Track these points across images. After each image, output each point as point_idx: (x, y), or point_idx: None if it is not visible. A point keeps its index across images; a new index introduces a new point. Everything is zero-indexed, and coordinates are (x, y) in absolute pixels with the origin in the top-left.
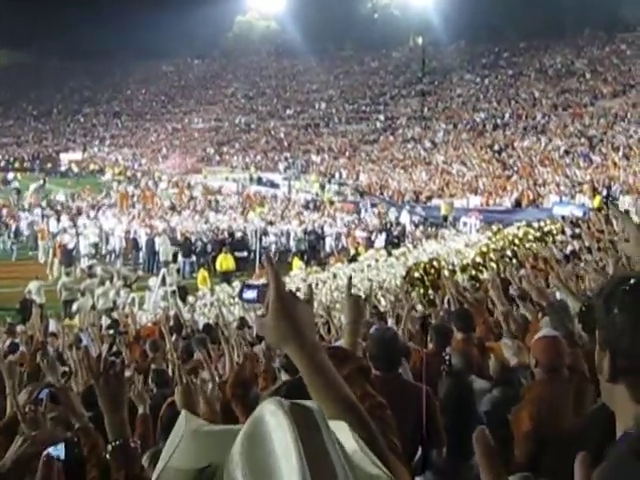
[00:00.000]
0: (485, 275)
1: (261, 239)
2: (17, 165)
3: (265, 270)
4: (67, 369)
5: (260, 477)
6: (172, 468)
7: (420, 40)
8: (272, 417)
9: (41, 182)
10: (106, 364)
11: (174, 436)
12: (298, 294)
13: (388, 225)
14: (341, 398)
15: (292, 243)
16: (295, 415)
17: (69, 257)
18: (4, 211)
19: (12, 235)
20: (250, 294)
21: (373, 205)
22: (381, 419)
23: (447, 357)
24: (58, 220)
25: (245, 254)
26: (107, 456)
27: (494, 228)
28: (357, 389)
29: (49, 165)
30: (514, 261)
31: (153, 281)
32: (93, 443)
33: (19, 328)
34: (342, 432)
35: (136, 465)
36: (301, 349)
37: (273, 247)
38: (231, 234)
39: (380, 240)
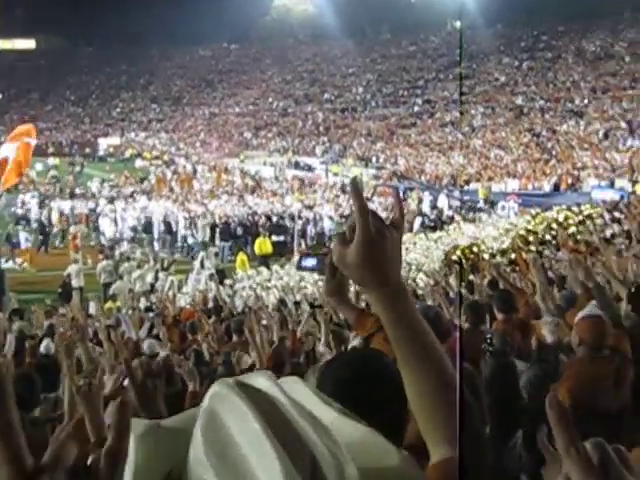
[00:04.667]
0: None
1: (298, 223)
2: (55, 150)
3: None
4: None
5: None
6: None
7: (458, 24)
8: (228, 407)
9: (78, 168)
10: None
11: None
12: None
13: (423, 209)
14: (425, 350)
15: (328, 226)
16: (249, 395)
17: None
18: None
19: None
20: (310, 262)
21: (411, 189)
22: None
23: (489, 337)
24: (96, 204)
25: (283, 238)
26: None
27: (533, 212)
28: None
29: (87, 150)
30: (553, 244)
31: (194, 264)
32: None
33: (61, 310)
34: (298, 388)
35: None
36: (385, 295)
37: (309, 230)
38: (269, 218)
39: (416, 223)
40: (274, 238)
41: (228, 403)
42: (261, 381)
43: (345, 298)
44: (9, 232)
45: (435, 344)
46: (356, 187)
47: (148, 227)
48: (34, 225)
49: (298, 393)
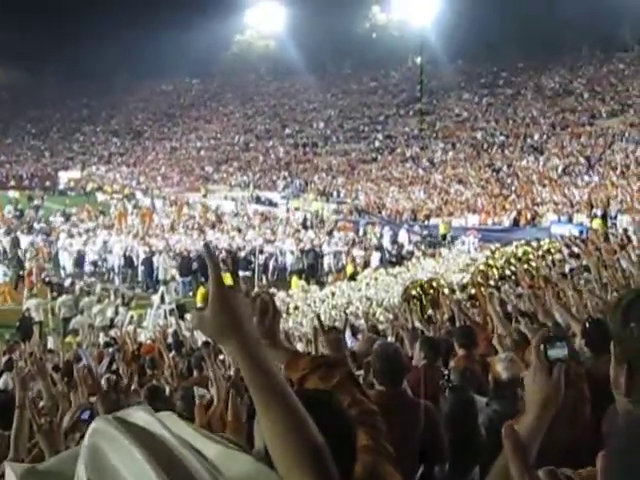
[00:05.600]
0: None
1: (259, 258)
2: (15, 183)
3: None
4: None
5: None
6: None
7: (418, 60)
8: (111, 444)
9: (39, 201)
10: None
11: None
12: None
13: (384, 244)
14: (282, 397)
15: (290, 261)
16: (128, 428)
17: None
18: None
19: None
20: None
21: (371, 224)
22: (372, 426)
23: (446, 373)
24: (57, 239)
25: (248, 274)
26: None
27: (492, 247)
28: (347, 395)
29: (48, 183)
30: (512, 279)
31: (155, 299)
32: None
33: (22, 346)
34: (176, 423)
35: None
36: (242, 344)
37: (271, 265)
38: (229, 252)
39: (375, 259)
40: (240, 273)
41: (110, 439)
42: (141, 415)
43: (276, 340)
44: None
45: (287, 391)
46: (208, 248)
47: (108, 261)
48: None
49: (177, 427)
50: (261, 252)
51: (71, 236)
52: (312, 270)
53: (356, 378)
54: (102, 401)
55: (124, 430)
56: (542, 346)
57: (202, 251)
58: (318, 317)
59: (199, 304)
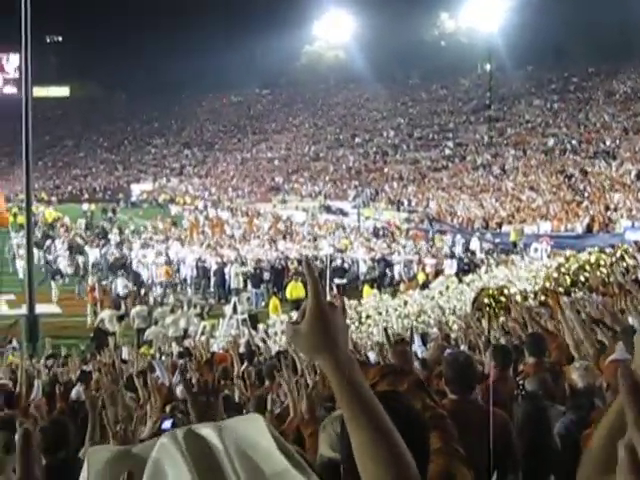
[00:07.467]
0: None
1: (331, 267)
2: (89, 196)
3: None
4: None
5: None
6: None
7: (488, 66)
8: (171, 466)
9: (111, 214)
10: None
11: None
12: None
13: (456, 252)
14: (374, 416)
15: (361, 270)
16: (191, 451)
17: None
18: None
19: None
20: None
21: (442, 232)
22: (443, 429)
23: (520, 381)
24: (130, 250)
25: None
26: None
27: (566, 254)
28: (417, 401)
29: (120, 195)
30: (585, 286)
31: (227, 309)
32: None
33: (97, 357)
34: (254, 429)
35: None
36: (336, 361)
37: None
38: (301, 262)
39: (451, 267)
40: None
41: (170, 456)
42: (207, 432)
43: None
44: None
45: (378, 407)
46: (308, 265)
47: (180, 272)
48: (68, 271)
49: (251, 436)
50: (342, 261)
51: (144, 247)
52: (383, 279)
53: (424, 385)
54: (192, 404)
55: (184, 448)
56: None
57: (275, 262)
58: (385, 330)
59: (272, 314)
